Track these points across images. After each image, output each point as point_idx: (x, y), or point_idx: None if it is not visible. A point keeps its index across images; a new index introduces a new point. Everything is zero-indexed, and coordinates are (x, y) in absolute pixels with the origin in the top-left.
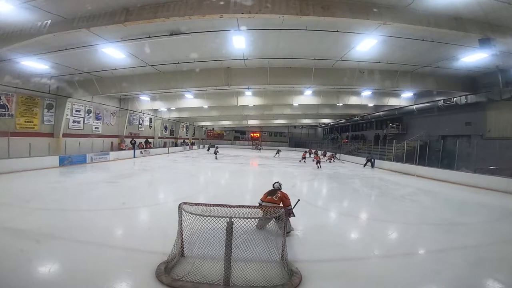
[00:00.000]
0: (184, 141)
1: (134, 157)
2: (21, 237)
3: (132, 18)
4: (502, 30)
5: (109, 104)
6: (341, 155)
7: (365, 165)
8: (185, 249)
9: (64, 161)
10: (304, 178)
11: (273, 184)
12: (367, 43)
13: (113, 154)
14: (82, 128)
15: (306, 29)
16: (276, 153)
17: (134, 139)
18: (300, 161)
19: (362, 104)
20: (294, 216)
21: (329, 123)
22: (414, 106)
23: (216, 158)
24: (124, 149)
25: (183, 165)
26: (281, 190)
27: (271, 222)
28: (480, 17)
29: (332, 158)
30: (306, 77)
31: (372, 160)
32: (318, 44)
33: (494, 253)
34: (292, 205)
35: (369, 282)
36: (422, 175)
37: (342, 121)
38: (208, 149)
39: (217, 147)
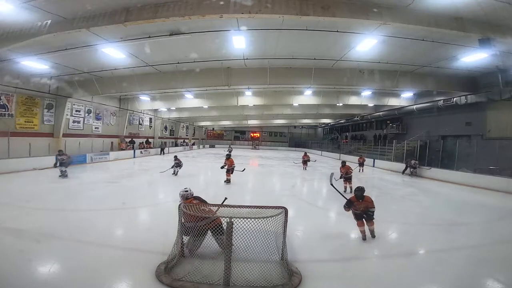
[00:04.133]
0: (184, 141)
1: (134, 157)
2: (21, 237)
3: (132, 18)
4: (502, 30)
5: (109, 104)
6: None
7: (404, 171)
8: (185, 249)
9: None
10: (304, 178)
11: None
12: (367, 43)
13: (113, 154)
14: (82, 128)
15: (306, 29)
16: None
17: (133, 139)
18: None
19: (362, 104)
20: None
21: (329, 123)
22: (414, 106)
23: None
24: (124, 149)
25: (183, 165)
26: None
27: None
28: (480, 17)
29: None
30: (306, 77)
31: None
32: (318, 44)
33: (494, 253)
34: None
35: (369, 282)
36: (422, 175)
37: (342, 121)
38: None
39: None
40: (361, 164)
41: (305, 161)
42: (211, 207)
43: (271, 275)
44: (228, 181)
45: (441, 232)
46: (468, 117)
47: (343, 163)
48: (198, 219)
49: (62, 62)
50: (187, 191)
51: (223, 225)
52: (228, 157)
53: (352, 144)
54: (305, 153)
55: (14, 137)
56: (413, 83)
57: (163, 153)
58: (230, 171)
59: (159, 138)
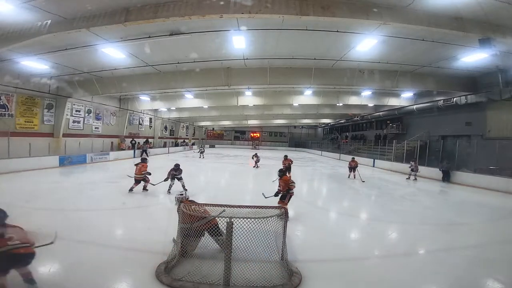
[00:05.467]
0: (184, 141)
1: (134, 157)
2: None
3: (132, 18)
4: (502, 30)
5: (109, 104)
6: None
7: (443, 179)
8: (180, 248)
9: (64, 161)
10: (304, 178)
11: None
12: (367, 43)
13: (113, 154)
14: (82, 128)
15: (306, 29)
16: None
17: (134, 139)
18: None
19: (362, 104)
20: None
21: (329, 123)
22: (414, 106)
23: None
24: (124, 149)
25: (183, 165)
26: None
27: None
28: (480, 17)
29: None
30: (306, 77)
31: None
32: (318, 44)
33: (494, 253)
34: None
35: (369, 282)
36: (422, 175)
37: (342, 121)
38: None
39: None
40: (353, 169)
41: (287, 168)
42: (206, 208)
43: (271, 275)
44: (131, 190)
45: (441, 232)
46: (468, 117)
47: (282, 172)
48: (194, 220)
49: (62, 62)
50: (182, 194)
51: (220, 226)
52: (143, 161)
53: (352, 144)
54: (286, 156)
55: (14, 137)
56: (413, 83)
57: (147, 155)
58: (137, 181)
59: (159, 138)
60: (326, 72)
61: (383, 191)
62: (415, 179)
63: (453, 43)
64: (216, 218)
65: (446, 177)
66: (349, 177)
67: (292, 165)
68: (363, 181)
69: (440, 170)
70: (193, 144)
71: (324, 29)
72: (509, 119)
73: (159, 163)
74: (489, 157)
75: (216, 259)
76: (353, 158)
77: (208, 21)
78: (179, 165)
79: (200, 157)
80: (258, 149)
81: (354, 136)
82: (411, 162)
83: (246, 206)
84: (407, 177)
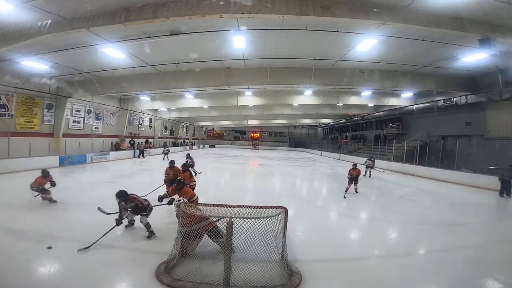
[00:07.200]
0: (184, 141)
1: (134, 157)
2: (21, 237)
3: (132, 18)
4: (502, 30)
5: (109, 104)
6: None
7: (501, 192)
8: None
9: (64, 161)
10: (304, 178)
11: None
12: (367, 43)
13: (113, 154)
14: (82, 128)
15: (306, 29)
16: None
17: (133, 139)
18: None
19: (362, 104)
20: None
21: (329, 123)
22: (414, 106)
23: None
24: (124, 149)
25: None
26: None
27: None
28: (480, 17)
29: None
30: (306, 77)
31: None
32: (318, 44)
33: (494, 253)
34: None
35: (369, 282)
36: (422, 175)
37: (342, 121)
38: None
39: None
40: (354, 179)
41: (170, 180)
42: (205, 208)
43: (271, 275)
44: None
45: (441, 232)
46: (468, 117)
47: (171, 182)
48: (194, 221)
49: (62, 62)
50: (179, 200)
51: (220, 227)
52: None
53: (352, 144)
54: (172, 163)
55: (14, 137)
56: (413, 83)
57: (143, 156)
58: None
59: (159, 138)
60: (326, 72)
61: (383, 191)
62: (370, 175)
63: (453, 43)
64: (216, 222)
65: (507, 189)
66: (346, 191)
67: (292, 166)
68: (344, 197)
69: (499, 179)
70: (192, 144)
71: (324, 29)
72: (509, 119)
73: (161, 163)
74: (489, 157)
75: (216, 259)
76: (355, 165)
77: (208, 21)
78: None
79: (164, 158)
80: (258, 149)
81: (354, 136)
82: (371, 160)
83: (246, 206)
84: (364, 173)
